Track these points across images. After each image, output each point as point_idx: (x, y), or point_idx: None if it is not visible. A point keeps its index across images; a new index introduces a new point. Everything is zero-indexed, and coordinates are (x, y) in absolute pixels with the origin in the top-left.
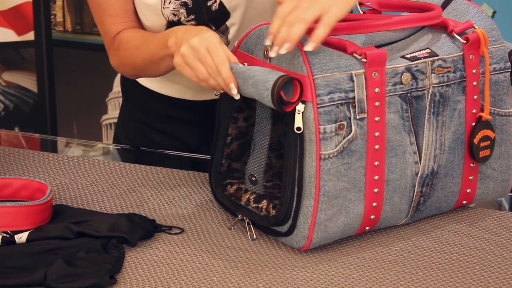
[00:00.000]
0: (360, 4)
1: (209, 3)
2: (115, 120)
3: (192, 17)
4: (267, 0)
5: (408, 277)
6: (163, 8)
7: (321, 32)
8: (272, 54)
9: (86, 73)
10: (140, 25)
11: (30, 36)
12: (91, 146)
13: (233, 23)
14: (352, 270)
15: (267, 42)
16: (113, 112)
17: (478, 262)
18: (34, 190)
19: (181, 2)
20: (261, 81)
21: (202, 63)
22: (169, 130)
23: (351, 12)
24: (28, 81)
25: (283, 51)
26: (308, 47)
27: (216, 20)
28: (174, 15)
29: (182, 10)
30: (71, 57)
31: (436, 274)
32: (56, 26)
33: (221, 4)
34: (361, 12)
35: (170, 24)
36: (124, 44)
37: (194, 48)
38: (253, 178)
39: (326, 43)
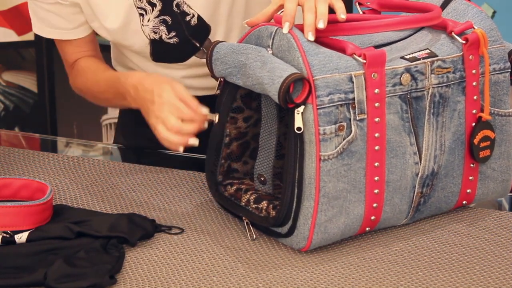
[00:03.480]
0: (360, 4)
1: (187, 18)
2: (115, 120)
3: (174, 33)
4: (244, 12)
5: (408, 277)
6: (142, 25)
7: (340, 6)
8: (311, 38)
9: None
10: (98, 53)
11: (30, 36)
12: (91, 146)
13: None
14: (352, 270)
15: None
16: (113, 112)
17: (478, 262)
18: (34, 190)
19: (160, 19)
20: (279, 69)
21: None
22: None
23: (351, 12)
24: (28, 81)
25: (321, 25)
26: (321, 25)
27: (198, 35)
28: (155, 33)
29: (162, 28)
30: None
31: (436, 274)
32: None
33: (199, 18)
34: (361, 13)
35: (153, 43)
36: (82, 72)
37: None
38: (262, 178)
39: (326, 44)
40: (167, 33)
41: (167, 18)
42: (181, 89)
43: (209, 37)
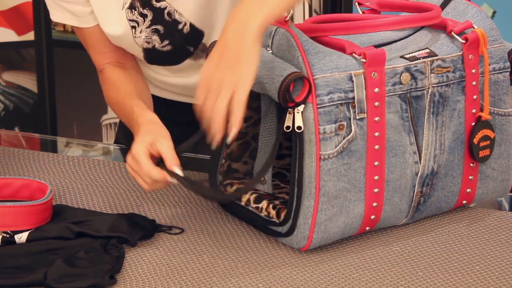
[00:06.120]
0: (359, 4)
1: (179, 27)
2: (115, 120)
3: (167, 42)
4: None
5: (408, 277)
6: (135, 37)
7: (235, 119)
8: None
9: (86, 73)
10: (123, 51)
11: (30, 36)
12: (91, 146)
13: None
14: (352, 270)
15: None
16: (113, 112)
17: (478, 262)
18: (34, 190)
19: (152, 29)
20: (279, 68)
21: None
22: (169, 132)
23: (351, 12)
24: (28, 81)
25: (213, 146)
26: (231, 135)
27: (191, 41)
28: (148, 42)
29: (155, 37)
30: (71, 57)
31: (436, 274)
32: (56, 26)
33: (191, 25)
34: (361, 12)
35: (146, 52)
36: (110, 85)
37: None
38: (262, 178)
39: (325, 43)
40: (160, 42)
41: (159, 27)
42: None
43: (203, 41)
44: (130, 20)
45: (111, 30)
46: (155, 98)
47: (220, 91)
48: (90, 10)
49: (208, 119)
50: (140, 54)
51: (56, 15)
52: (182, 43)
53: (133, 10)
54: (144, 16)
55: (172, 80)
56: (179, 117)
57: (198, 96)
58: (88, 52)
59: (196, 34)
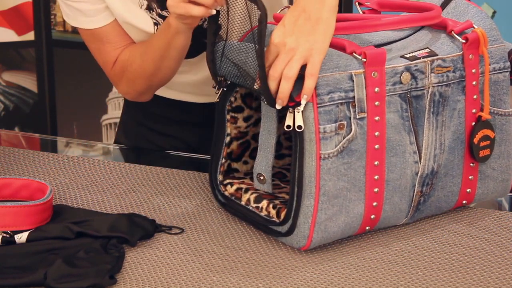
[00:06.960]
0: (360, 4)
1: (199, 23)
2: (115, 120)
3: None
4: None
5: (408, 277)
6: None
7: (311, 84)
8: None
9: (86, 73)
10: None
11: (30, 36)
12: (91, 146)
13: None
14: (352, 270)
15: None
16: (113, 112)
17: (478, 262)
18: (34, 190)
19: None
20: None
21: None
22: (169, 132)
23: (351, 12)
24: (28, 81)
25: (278, 107)
26: (304, 100)
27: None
28: None
29: None
30: (71, 57)
31: (436, 274)
32: (56, 26)
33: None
34: (361, 12)
35: None
36: (128, 61)
37: None
38: (261, 178)
39: None
40: None
41: None
42: None
43: (219, 33)
44: (152, 18)
45: (142, 25)
46: (162, 100)
47: (294, 55)
48: (104, 7)
49: (273, 82)
50: None
51: (71, 19)
52: (200, 37)
53: (151, 11)
54: (163, 17)
55: (178, 79)
56: (187, 118)
57: (266, 58)
58: (97, 52)
59: (214, 27)
